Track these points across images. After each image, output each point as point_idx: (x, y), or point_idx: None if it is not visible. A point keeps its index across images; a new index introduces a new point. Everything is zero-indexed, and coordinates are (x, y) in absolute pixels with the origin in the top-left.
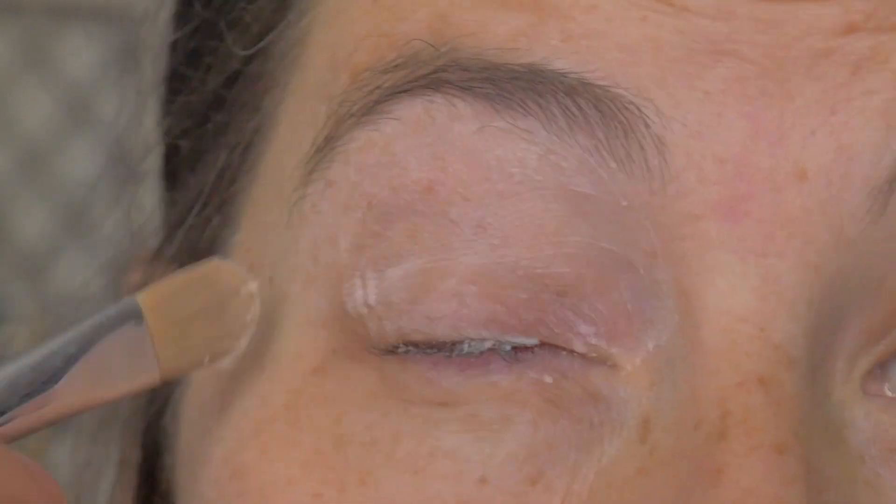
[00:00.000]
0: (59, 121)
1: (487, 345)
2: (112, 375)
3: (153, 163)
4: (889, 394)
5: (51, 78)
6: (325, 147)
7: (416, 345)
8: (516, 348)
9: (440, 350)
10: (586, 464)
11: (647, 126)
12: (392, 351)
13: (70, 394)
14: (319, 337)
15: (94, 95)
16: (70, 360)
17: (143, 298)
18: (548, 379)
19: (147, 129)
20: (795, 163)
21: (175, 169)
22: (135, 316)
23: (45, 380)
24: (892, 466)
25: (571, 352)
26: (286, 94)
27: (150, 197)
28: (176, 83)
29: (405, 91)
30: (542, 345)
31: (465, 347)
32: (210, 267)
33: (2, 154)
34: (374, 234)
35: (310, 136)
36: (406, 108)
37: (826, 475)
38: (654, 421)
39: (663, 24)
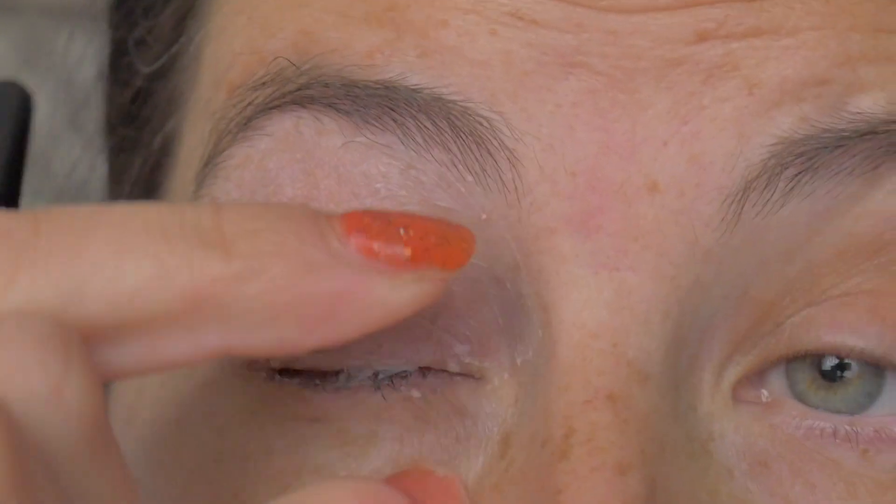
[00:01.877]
0: (59, 121)
1: (367, 373)
2: None
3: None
4: (765, 399)
5: (51, 78)
6: (209, 164)
7: (296, 372)
8: (392, 375)
9: (319, 378)
10: None
11: (499, 140)
12: (271, 378)
13: None
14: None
15: (94, 95)
16: None
17: None
18: (416, 394)
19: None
20: (647, 175)
21: (109, 178)
22: None
23: None
24: (763, 481)
25: (436, 370)
26: (186, 112)
27: None
28: (105, 96)
29: (275, 107)
30: (419, 369)
31: (342, 378)
32: None
33: None
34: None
35: (199, 153)
36: (276, 124)
37: (681, 492)
38: (513, 437)
39: (513, 37)
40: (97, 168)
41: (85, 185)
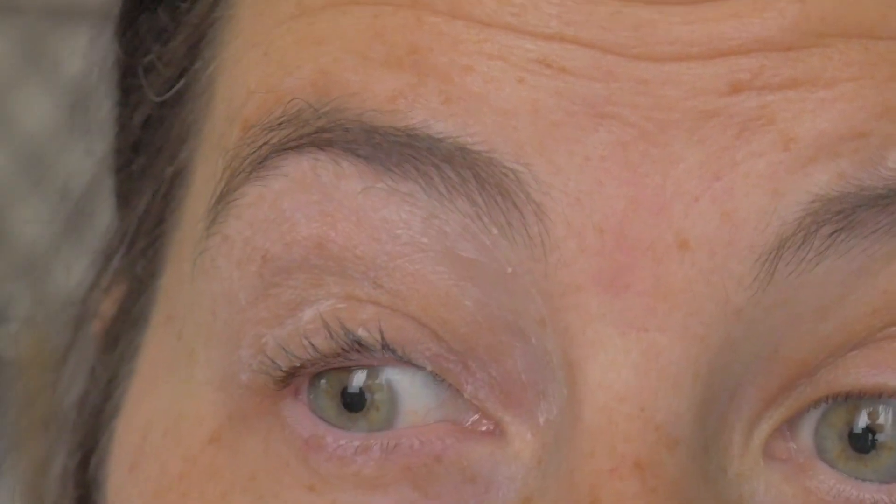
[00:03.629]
0: (59, 121)
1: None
2: None
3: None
4: (795, 457)
5: (51, 78)
6: (221, 201)
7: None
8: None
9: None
10: None
11: (526, 193)
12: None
13: None
14: (218, 400)
15: (95, 95)
16: None
17: None
18: (419, 464)
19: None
20: (677, 232)
21: (116, 200)
22: None
23: None
24: None
25: (457, 426)
26: (199, 142)
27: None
28: (115, 117)
29: (291, 148)
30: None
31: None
32: None
33: (2, 154)
34: (275, 284)
35: (212, 187)
36: (293, 165)
37: None
38: (535, 501)
39: (541, 86)
40: (98, 175)
41: (86, 185)
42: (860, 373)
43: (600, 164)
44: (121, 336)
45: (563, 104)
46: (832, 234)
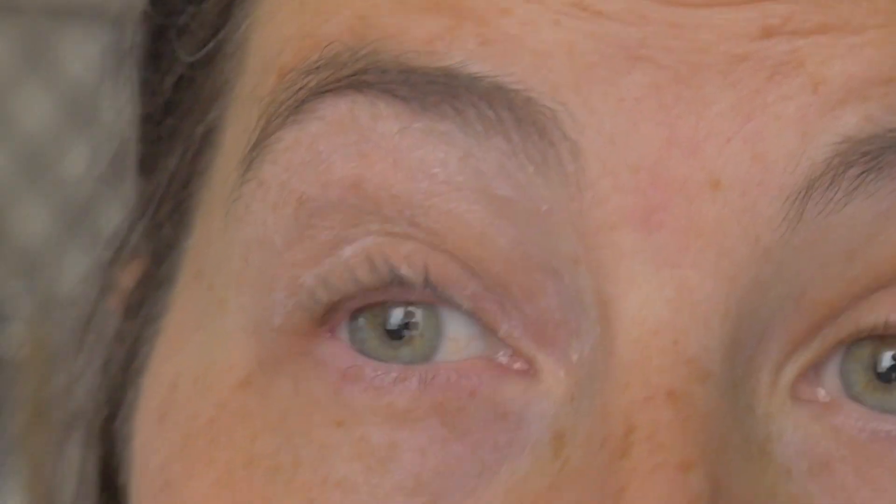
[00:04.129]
0: (59, 121)
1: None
2: None
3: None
4: (823, 399)
5: (51, 78)
6: (257, 147)
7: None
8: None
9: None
10: (490, 485)
11: (562, 131)
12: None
13: None
14: (249, 346)
15: (95, 95)
16: None
17: None
18: (452, 398)
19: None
20: (710, 172)
21: (140, 169)
22: None
23: None
24: (823, 481)
25: (493, 362)
26: (231, 99)
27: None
28: (142, 86)
29: (329, 91)
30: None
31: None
32: None
33: (2, 154)
34: (311, 226)
35: (247, 138)
36: (330, 108)
37: (741, 492)
38: (568, 436)
39: (576, 28)
40: (97, 167)
41: (86, 185)
42: (885, 311)
43: (634, 106)
44: (145, 300)
45: (598, 46)
46: (860, 174)
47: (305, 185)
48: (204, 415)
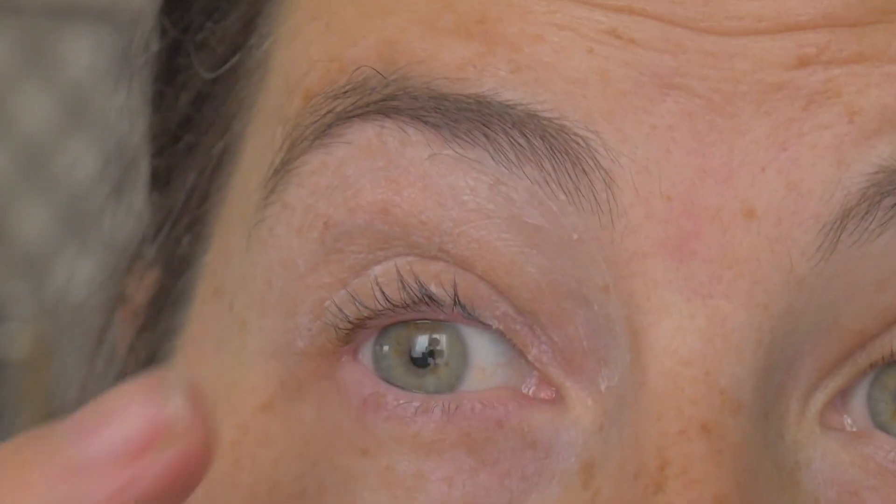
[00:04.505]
0: (59, 121)
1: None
2: None
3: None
4: (850, 428)
5: (51, 78)
6: (281, 170)
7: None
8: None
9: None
10: None
11: (595, 159)
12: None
13: None
14: (271, 369)
15: (95, 95)
16: None
17: None
18: (479, 428)
19: (138, 137)
20: (744, 201)
21: (154, 182)
22: None
23: None
24: None
25: (519, 392)
26: (252, 116)
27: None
28: (155, 99)
29: (357, 116)
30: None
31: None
32: None
33: (2, 154)
34: (337, 250)
35: (269, 158)
36: (357, 133)
37: None
38: (598, 466)
39: (610, 56)
40: (97, 168)
41: (86, 184)
42: None
43: (668, 134)
44: (161, 315)
45: (632, 74)
46: (895, 205)
47: (332, 209)
48: (226, 437)
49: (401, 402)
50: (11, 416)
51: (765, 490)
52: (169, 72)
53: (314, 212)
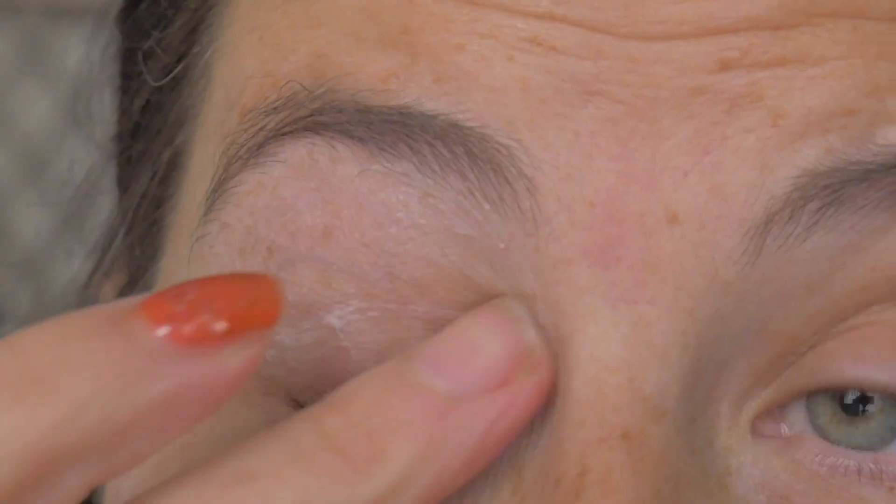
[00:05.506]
0: (59, 121)
1: None
2: None
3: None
4: (785, 434)
5: (50, 78)
6: (218, 189)
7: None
8: None
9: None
10: None
11: (517, 168)
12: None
13: None
14: None
15: (93, 91)
16: None
17: None
18: None
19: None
20: (667, 206)
21: (118, 186)
22: None
23: None
24: None
25: None
26: (196, 126)
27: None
28: (117, 105)
29: (287, 133)
30: None
31: None
32: None
33: (2, 154)
34: (283, 280)
35: (210, 172)
36: (290, 151)
37: None
38: (526, 471)
39: (530, 63)
40: (98, 167)
41: (86, 184)
42: (844, 364)
43: (590, 140)
44: None
45: (553, 81)
46: (820, 208)
47: (273, 233)
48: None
49: None
50: None
51: (690, 496)
52: (124, 78)
53: (255, 234)
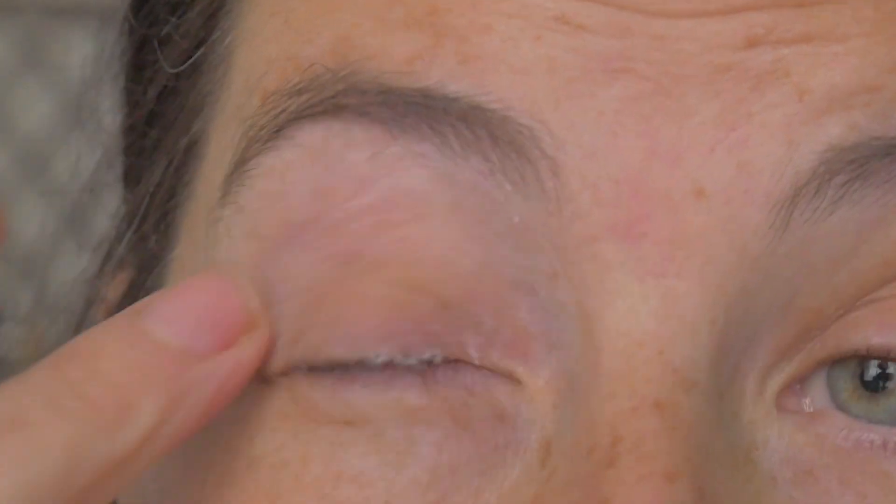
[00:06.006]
0: (59, 121)
1: (383, 358)
2: None
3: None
4: (808, 409)
5: (50, 77)
6: (236, 171)
7: (312, 368)
8: (419, 362)
9: (338, 369)
10: (489, 488)
11: (540, 149)
12: (290, 373)
13: None
14: None
15: (94, 95)
16: None
17: None
18: (456, 395)
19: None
20: (693, 181)
21: (126, 180)
22: None
23: None
24: (807, 489)
25: (476, 367)
26: (215, 112)
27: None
28: (125, 96)
29: (307, 116)
30: (446, 361)
31: (366, 363)
32: None
33: (2, 154)
34: (270, 263)
35: (230, 157)
36: (307, 134)
37: (726, 500)
38: (554, 445)
39: (557, 43)
40: (102, 165)
41: (87, 187)
42: (869, 332)
43: (614, 118)
44: None
45: (579, 60)
46: (845, 183)
47: (272, 217)
48: None
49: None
50: None
51: (718, 468)
52: (136, 68)
53: (260, 219)
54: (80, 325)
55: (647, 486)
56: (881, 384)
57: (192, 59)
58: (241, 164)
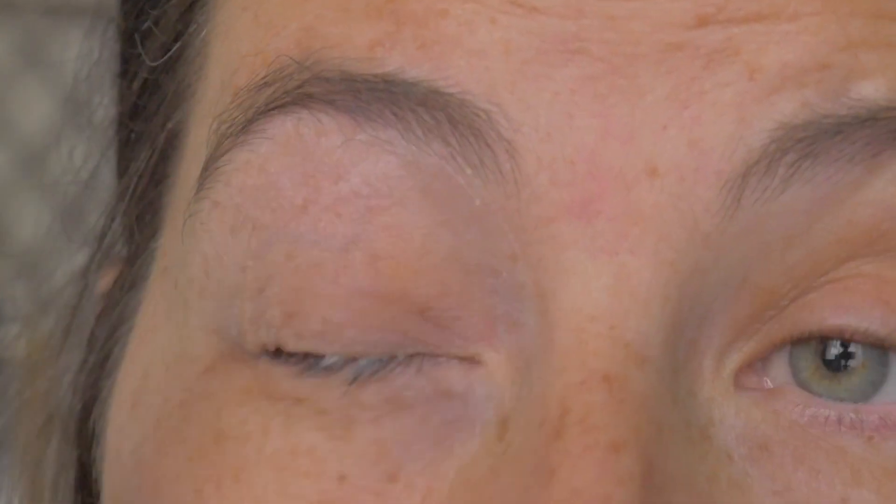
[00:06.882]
0: (59, 120)
1: (349, 354)
2: None
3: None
4: (768, 385)
5: (50, 78)
6: (209, 167)
7: (279, 352)
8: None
9: (303, 362)
10: (445, 461)
11: (497, 132)
12: (260, 355)
13: None
14: (211, 341)
15: (94, 95)
16: None
17: None
18: (396, 381)
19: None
20: (647, 160)
21: (118, 173)
22: None
23: None
24: (762, 464)
25: (434, 354)
26: (193, 106)
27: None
28: (117, 91)
29: (276, 108)
30: (408, 356)
31: (329, 361)
32: None
33: (1, 154)
34: (256, 256)
35: (205, 152)
36: (277, 127)
37: (679, 474)
38: (511, 420)
39: (513, 25)
40: (101, 168)
41: (85, 184)
42: (826, 313)
43: (570, 98)
44: (118, 302)
45: (534, 42)
46: (796, 161)
47: (259, 210)
48: (174, 398)
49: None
50: (11, 417)
51: (671, 442)
52: (123, 61)
53: (243, 213)
54: (72, 318)
55: (592, 456)
56: (843, 363)
57: (170, 52)
58: (212, 161)
